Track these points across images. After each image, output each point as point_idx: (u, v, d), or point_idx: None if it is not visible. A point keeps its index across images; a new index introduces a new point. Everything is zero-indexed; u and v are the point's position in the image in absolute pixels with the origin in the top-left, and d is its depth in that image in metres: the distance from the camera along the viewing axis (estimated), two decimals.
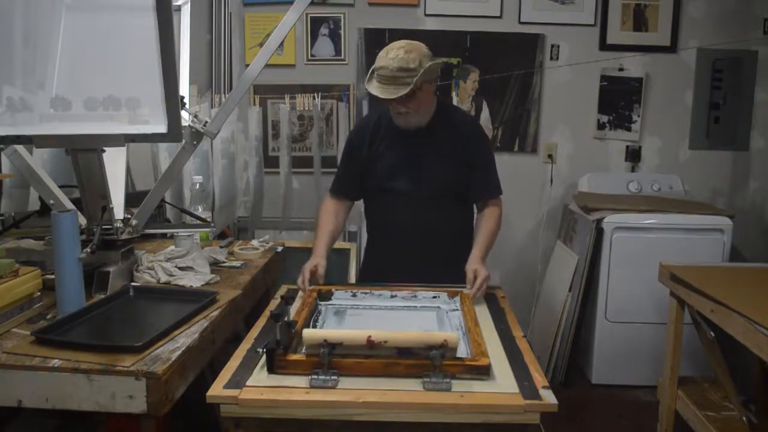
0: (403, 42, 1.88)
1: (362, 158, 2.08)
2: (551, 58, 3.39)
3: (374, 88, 1.88)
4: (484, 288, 1.85)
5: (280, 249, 2.30)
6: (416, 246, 2.05)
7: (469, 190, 2.06)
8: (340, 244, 3.27)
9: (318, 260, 1.95)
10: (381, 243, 2.17)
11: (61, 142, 1.65)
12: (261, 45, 3.13)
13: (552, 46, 3.38)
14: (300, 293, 1.85)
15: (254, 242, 2.29)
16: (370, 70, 1.91)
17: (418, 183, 2.02)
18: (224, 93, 3.11)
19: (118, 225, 1.75)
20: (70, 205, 1.74)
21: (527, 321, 3.50)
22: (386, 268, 2.08)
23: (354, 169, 2.11)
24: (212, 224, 2.09)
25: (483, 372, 1.34)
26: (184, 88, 1.88)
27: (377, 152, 2.07)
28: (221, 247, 2.25)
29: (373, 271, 2.17)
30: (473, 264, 1.90)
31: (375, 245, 2.21)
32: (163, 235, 2.25)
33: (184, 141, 1.77)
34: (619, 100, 3.44)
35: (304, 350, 1.38)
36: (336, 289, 1.88)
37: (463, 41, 3.32)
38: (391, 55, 1.84)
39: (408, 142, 2.03)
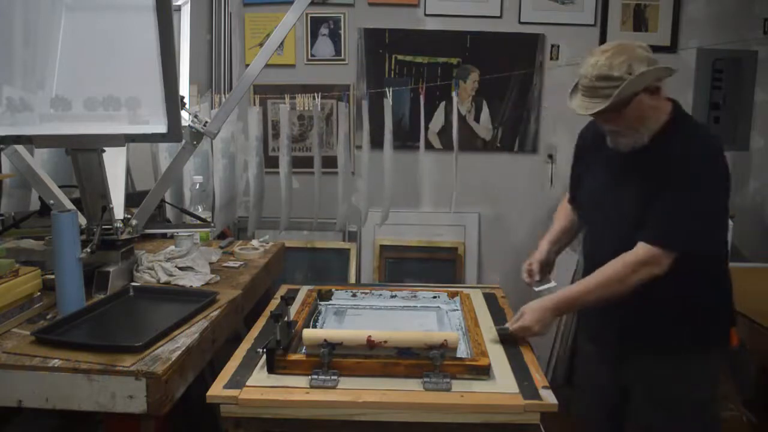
0: (614, 43, 1.53)
1: (576, 173, 1.81)
2: (551, 58, 3.39)
3: (574, 103, 1.55)
4: (522, 329, 1.55)
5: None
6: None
7: None
8: (339, 244, 3.27)
9: (535, 255, 1.80)
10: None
11: (61, 142, 1.65)
12: (261, 45, 3.12)
13: (552, 46, 3.37)
14: (300, 293, 1.85)
15: (254, 242, 2.29)
16: (576, 81, 1.58)
17: (609, 219, 1.62)
18: (224, 93, 3.11)
19: (118, 225, 1.75)
20: (70, 205, 1.74)
21: None
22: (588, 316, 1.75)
23: (574, 181, 1.83)
24: (212, 224, 2.09)
25: (483, 372, 1.34)
26: (184, 88, 1.88)
27: (583, 170, 1.76)
28: (221, 246, 2.25)
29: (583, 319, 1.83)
30: (531, 304, 1.59)
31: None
32: (163, 235, 2.25)
33: (184, 141, 1.77)
34: None
35: (304, 350, 1.39)
36: (336, 289, 1.88)
37: (463, 41, 3.32)
38: (592, 60, 1.50)
39: (613, 163, 1.63)
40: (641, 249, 1.48)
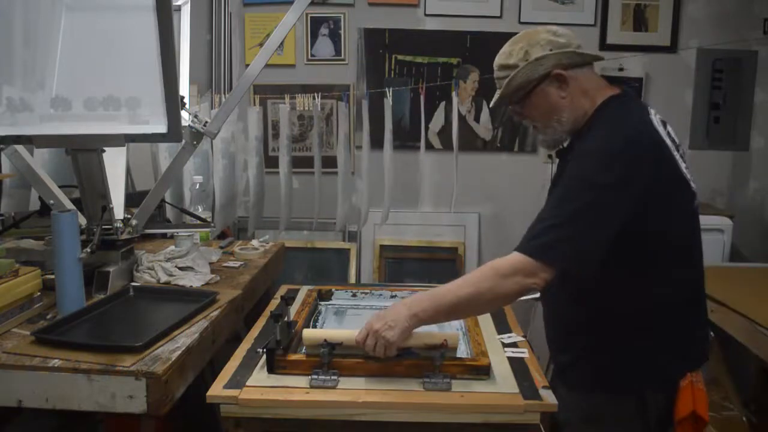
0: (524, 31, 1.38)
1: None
2: None
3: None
4: (377, 346, 1.27)
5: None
6: (548, 317, 1.50)
7: None
8: (339, 244, 3.27)
9: None
10: None
11: (61, 142, 1.65)
12: (261, 45, 3.12)
13: None
14: (300, 293, 1.85)
15: (254, 242, 2.29)
16: None
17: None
18: (224, 93, 3.11)
19: (118, 225, 1.75)
20: (70, 205, 1.74)
21: (527, 321, 3.49)
22: None
23: None
24: (212, 224, 2.09)
25: (483, 372, 1.34)
26: (184, 88, 1.88)
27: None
28: (221, 247, 2.25)
29: None
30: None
31: None
32: (163, 235, 2.25)
33: (184, 141, 1.77)
34: None
35: (304, 350, 1.39)
36: (336, 289, 1.88)
37: (463, 41, 3.32)
38: (500, 50, 1.40)
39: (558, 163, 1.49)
40: (512, 257, 1.30)
